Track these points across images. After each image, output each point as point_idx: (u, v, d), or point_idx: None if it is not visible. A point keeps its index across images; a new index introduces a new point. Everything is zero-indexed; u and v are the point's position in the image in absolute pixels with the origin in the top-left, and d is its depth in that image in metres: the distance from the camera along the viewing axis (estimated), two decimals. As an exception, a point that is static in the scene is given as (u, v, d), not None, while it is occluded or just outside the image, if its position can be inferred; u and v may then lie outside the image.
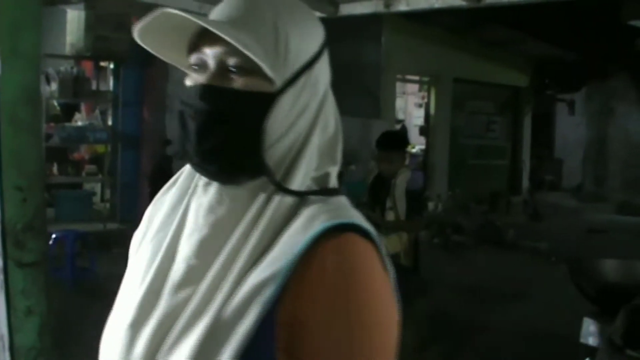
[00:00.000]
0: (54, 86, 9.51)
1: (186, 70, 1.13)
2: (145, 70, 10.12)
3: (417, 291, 5.22)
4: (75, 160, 10.99)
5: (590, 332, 4.82)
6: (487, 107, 15.74)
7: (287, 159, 1.11)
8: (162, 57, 1.17)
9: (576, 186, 18.16)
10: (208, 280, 1.05)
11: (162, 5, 1.03)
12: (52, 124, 9.67)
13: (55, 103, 10.72)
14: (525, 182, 16.30)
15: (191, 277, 1.07)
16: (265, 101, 1.07)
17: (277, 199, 1.07)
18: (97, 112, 10.82)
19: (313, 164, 1.13)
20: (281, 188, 1.07)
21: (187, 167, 1.19)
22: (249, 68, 1.05)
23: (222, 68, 1.07)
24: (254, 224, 1.06)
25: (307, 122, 1.12)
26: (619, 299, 4.16)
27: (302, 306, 0.98)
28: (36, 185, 0.94)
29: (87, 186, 11.43)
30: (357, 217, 1.08)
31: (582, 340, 4.91)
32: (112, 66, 10.71)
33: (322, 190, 1.12)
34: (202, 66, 1.09)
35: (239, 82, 1.06)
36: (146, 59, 9.39)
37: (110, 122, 10.53)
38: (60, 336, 4.72)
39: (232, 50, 1.03)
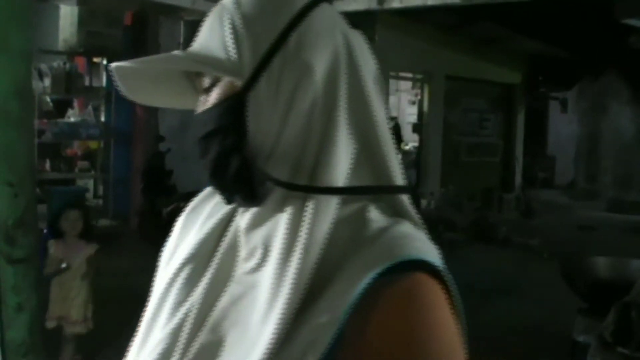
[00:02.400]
0: (46, 82, 9.50)
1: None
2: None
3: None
4: (68, 157, 10.97)
5: (582, 329, 4.84)
6: (480, 105, 15.74)
7: (307, 155, 0.96)
8: (179, 106, 1.12)
9: (568, 183, 18.21)
10: (255, 319, 0.92)
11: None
12: (44, 120, 9.65)
13: (48, 99, 10.70)
14: (518, 179, 16.32)
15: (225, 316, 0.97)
16: (235, 104, 0.97)
17: (310, 204, 0.93)
18: (89, 108, 10.80)
19: (348, 157, 0.97)
20: (309, 189, 0.94)
21: None
22: (215, 80, 0.99)
23: (204, 91, 1.02)
24: (292, 240, 0.93)
25: (304, 113, 0.97)
26: (610, 296, 4.19)
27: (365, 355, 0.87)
28: (27, 180, 0.93)
29: (80, 182, 11.42)
30: (425, 249, 0.95)
31: (574, 336, 4.94)
32: (104, 62, 10.70)
33: (372, 188, 0.99)
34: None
35: (212, 98, 0.99)
36: (139, 55, 9.32)
37: (103, 118, 10.53)
38: (52, 334, 4.72)
39: (199, 72, 1.01)
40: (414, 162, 14.54)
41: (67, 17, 10.03)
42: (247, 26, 0.97)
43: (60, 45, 10.15)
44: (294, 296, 0.89)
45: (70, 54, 10.24)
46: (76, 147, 11.32)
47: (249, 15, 0.98)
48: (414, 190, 1.03)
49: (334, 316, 0.87)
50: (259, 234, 0.98)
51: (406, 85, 19.73)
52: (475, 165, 15.41)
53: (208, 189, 1.16)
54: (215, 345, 0.95)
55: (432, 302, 0.91)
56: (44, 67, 9.48)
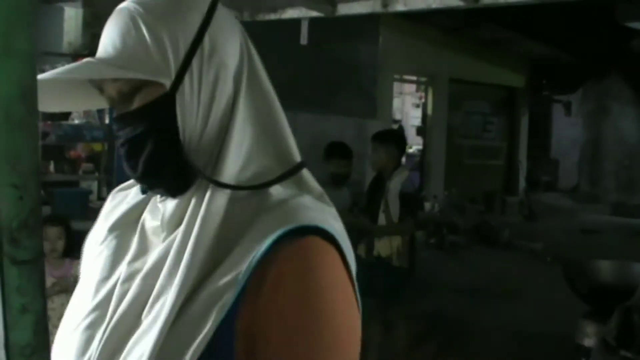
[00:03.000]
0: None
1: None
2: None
3: (410, 292, 5.24)
4: (71, 159, 10.98)
5: (585, 333, 4.84)
6: (483, 107, 15.75)
7: (215, 151, 1.04)
8: (80, 108, 1.18)
9: (572, 187, 18.19)
10: (160, 282, 1.00)
11: None
12: (48, 122, 9.66)
13: (52, 101, 10.71)
14: (521, 183, 16.31)
15: (144, 285, 1.03)
16: (164, 105, 1.02)
17: (208, 195, 1.01)
18: (94, 110, 10.81)
19: (245, 153, 1.05)
20: (211, 181, 1.01)
21: None
22: (139, 84, 1.02)
23: (123, 95, 1.04)
24: (194, 222, 1.00)
25: (222, 107, 1.04)
26: (613, 299, 4.18)
27: (261, 317, 0.94)
28: (32, 183, 0.94)
29: (84, 184, 11.42)
30: (324, 218, 1.02)
31: (577, 340, 4.93)
32: (108, 64, 10.69)
33: (273, 181, 1.05)
34: (112, 101, 1.08)
35: (137, 101, 1.03)
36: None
37: (107, 121, 10.53)
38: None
39: (116, 78, 1.03)
40: (417, 164, 14.55)
41: (71, 20, 10.04)
42: (164, 28, 1.02)
43: (65, 47, 10.15)
44: (192, 262, 0.96)
45: (75, 56, 10.24)
46: (80, 149, 11.33)
47: (162, 17, 1.02)
48: (304, 164, 1.09)
49: (235, 277, 0.94)
50: (178, 217, 1.05)
51: (410, 88, 19.72)
52: (478, 168, 15.41)
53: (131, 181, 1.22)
54: (135, 316, 1.02)
55: (324, 263, 0.98)
56: (48, 69, 9.49)
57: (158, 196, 1.10)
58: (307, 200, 1.05)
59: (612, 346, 3.64)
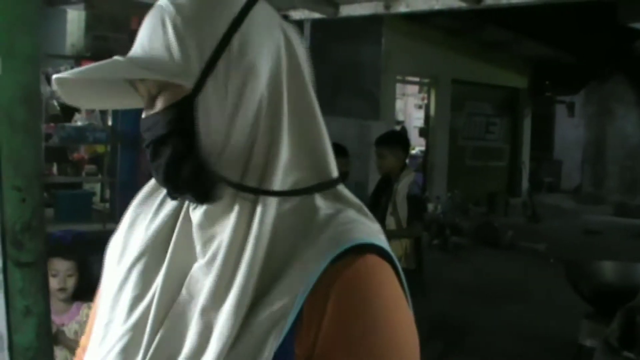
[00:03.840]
0: (54, 86, 9.51)
1: None
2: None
3: (418, 293, 5.23)
4: (74, 160, 10.99)
5: (587, 333, 4.83)
6: (486, 109, 15.75)
7: (244, 159, 0.99)
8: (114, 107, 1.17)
9: (575, 188, 18.17)
10: (210, 306, 0.95)
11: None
12: (51, 124, 9.66)
13: (55, 103, 10.72)
14: (525, 184, 16.30)
15: (182, 308, 1.00)
16: (186, 108, 0.97)
17: (259, 207, 0.96)
18: (96, 112, 10.81)
19: (284, 163, 0.99)
20: (258, 191, 0.97)
21: None
22: (164, 85, 0.99)
23: (150, 96, 1.02)
24: (244, 238, 0.96)
25: (251, 113, 0.98)
26: (616, 300, 4.18)
27: (326, 341, 0.90)
28: (35, 185, 0.94)
29: (87, 186, 11.43)
30: (374, 233, 1.00)
31: (579, 341, 4.93)
32: (111, 66, 10.71)
33: (313, 187, 1.01)
34: (143, 101, 1.05)
35: (161, 103, 1.00)
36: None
37: (110, 122, 10.54)
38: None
39: (142, 78, 1.01)
40: (420, 166, 14.55)
41: (74, 22, 10.05)
42: (190, 28, 0.98)
43: (68, 49, 10.17)
44: (247, 284, 0.93)
45: (78, 58, 10.26)
46: (83, 151, 11.34)
47: (190, 17, 0.98)
48: (340, 180, 1.05)
49: (291, 300, 0.90)
50: (212, 230, 1.01)
51: (413, 89, 19.74)
52: (481, 169, 15.41)
53: (152, 182, 1.18)
54: (178, 338, 0.97)
55: (385, 280, 0.96)
56: (51, 71, 9.50)
57: (190, 204, 1.06)
58: (354, 214, 1.02)
59: (615, 347, 3.64)
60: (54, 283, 3.21)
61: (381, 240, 0.99)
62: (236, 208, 0.98)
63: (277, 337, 0.89)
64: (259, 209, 0.96)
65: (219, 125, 0.97)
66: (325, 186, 1.03)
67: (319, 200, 1.01)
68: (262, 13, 1.02)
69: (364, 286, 0.93)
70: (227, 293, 0.94)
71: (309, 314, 0.91)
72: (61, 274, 3.32)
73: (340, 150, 5.56)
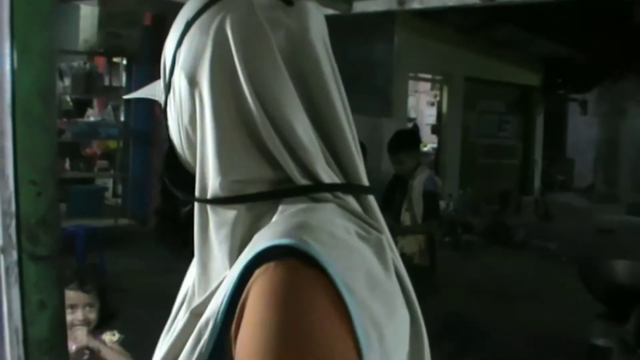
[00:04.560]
0: (67, 82, 9.57)
1: None
2: (157, 66, 10.15)
3: (430, 291, 5.23)
4: (87, 156, 11.05)
5: (600, 333, 4.82)
6: (498, 107, 15.70)
7: (200, 164, 0.99)
8: None
9: (587, 186, 18.11)
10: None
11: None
12: (64, 120, 9.72)
13: (68, 98, 10.78)
14: (537, 182, 16.25)
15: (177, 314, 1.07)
16: (165, 117, 1.11)
17: (208, 211, 0.98)
18: (109, 107, 10.87)
19: (221, 163, 0.95)
20: (199, 200, 0.99)
21: None
22: None
23: None
24: (200, 247, 1.00)
25: (187, 121, 1.02)
26: (629, 300, 4.17)
27: (237, 352, 0.83)
28: (50, 179, 0.95)
29: (99, 181, 11.49)
30: (310, 233, 0.86)
31: (592, 340, 4.91)
32: (124, 62, 10.75)
33: (231, 199, 0.95)
34: None
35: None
36: (158, 55, 9.39)
37: (122, 118, 10.59)
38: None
39: None
40: (432, 163, 14.53)
41: (87, 18, 10.09)
42: (164, 51, 1.11)
43: (81, 45, 10.21)
44: (205, 290, 0.97)
45: (91, 54, 10.30)
46: (95, 147, 11.40)
47: (170, 35, 1.09)
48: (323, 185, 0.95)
49: (215, 315, 0.89)
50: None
51: (425, 86, 19.71)
52: (493, 167, 15.36)
53: None
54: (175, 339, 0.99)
55: (299, 290, 0.83)
56: (64, 67, 9.55)
57: None
58: (305, 210, 0.92)
59: (631, 346, 3.64)
60: (70, 317, 2.82)
61: (318, 244, 0.85)
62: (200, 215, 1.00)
63: (201, 353, 0.88)
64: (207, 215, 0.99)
65: (176, 137, 1.07)
66: (290, 193, 0.94)
67: (284, 206, 0.94)
68: (201, 24, 1.01)
69: (272, 303, 0.81)
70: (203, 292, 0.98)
71: (231, 324, 0.86)
72: (81, 306, 2.91)
73: None
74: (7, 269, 1.05)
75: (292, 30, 0.99)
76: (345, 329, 0.81)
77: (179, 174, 1.07)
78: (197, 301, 0.97)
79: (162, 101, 1.10)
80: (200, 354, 0.88)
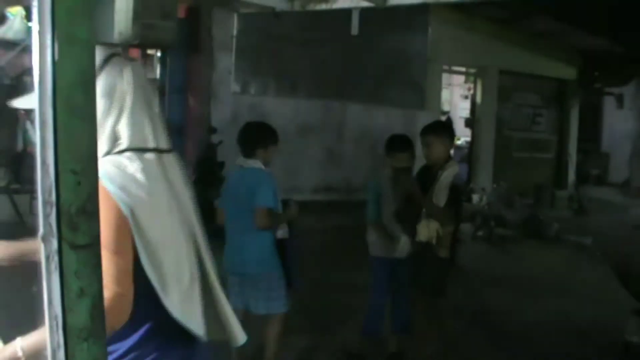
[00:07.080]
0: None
1: None
2: (191, 58, 10.20)
3: (456, 285, 5.21)
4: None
5: (635, 330, 4.78)
6: (533, 100, 15.58)
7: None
8: None
9: (623, 181, 17.91)
10: None
11: None
12: (98, 110, 9.80)
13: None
14: (571, 176, 16.10)
15: None
16: None
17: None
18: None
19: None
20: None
21: None
22: None
23: None
24: None
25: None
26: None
27: None
28: (90, 168, 0.97)
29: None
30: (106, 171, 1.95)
31: (626, 336, 4.87)
32: (158, 54, 10.82)
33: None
34: None
35: None
36: (192, 47, 9.48)
37: (156, 109, 10.66)
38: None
39: None
40: (466, 156, 14.46)
41: (122, 10, 10.15)
42: None
43: (116, 37, 10.29)
44: None
45: (125, 46, 10.38)
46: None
47: None
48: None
49: None
50: None
51: (459, 79, 19.62)
52: (527, 161, 15.26)
53: None
54: None
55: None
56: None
57: None
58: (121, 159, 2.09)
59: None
60: None
61: (106, 172, 1.96)
62: None
63: None
64: None
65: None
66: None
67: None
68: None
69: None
70: None
71: None
72: None
73: (402, 145, 5.49)
74: (47, 257, 1.07)
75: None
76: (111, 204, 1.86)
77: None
78: None
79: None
80: None
